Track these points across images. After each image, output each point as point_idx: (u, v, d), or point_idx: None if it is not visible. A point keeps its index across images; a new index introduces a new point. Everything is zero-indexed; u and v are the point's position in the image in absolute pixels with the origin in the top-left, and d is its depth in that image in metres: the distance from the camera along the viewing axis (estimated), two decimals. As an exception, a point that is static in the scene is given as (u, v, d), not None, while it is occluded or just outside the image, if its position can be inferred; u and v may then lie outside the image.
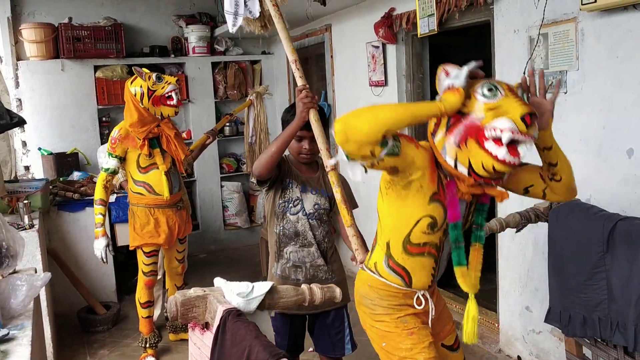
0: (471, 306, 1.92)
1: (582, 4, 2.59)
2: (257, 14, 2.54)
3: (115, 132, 3.51)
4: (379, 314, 1.99)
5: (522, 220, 2.54)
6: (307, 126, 2.32)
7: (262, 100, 4.24)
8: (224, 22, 5.91)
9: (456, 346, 2.13)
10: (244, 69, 6.46)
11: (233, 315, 1.54)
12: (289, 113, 2.46)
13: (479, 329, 3.78)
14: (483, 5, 3.31)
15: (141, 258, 3.63)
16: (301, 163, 2.52)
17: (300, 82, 2.34)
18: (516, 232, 2.61)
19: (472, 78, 1.74)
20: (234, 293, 1.70)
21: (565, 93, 2.88)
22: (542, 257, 3.08)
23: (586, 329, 2.40)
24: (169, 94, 3.43)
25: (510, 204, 3.28)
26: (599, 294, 2.33)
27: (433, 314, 2.01)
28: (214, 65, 6.29)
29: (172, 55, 6.08)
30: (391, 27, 4.14)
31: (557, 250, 2.54)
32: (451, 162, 1.74)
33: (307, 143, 2.43)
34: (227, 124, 6.03)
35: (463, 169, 1.72)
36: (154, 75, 3.43)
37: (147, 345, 3.74)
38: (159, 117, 3.48)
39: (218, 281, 1.81)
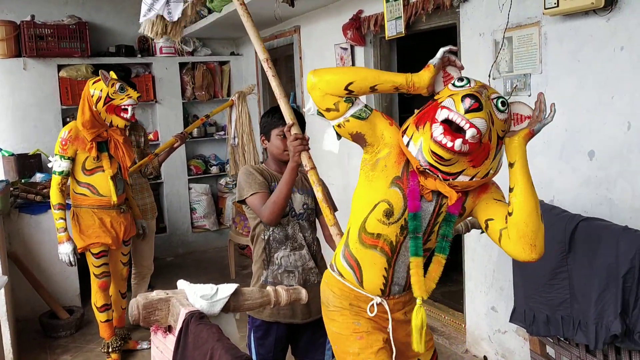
0: (417, 314, 1.79)
1: (545, 9, 2.63)
2: (175, 18, 2.48)
3: (64, 133, 3.41)
4: (332, 311, 1.95)
5: (487, 221, 2.56)
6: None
7: (245, 101, 4.19)
8: (192, 22, 5.89)
9: None
10: (213, 70, 6.41)
11: (196, 317, 1.51)
12: (270, 117, 2.45)
13: (446, 330, 3.83)
14: (449, 9, 3.34)
15: (90, 260, 3.54)
16: (283, 163, 2.44)
17: (273, 82, 2.31)
18: (481, 232, 2.64)
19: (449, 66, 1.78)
20: (198, 295, 1.66)
21: (529, 96, 2.93)
22: (507, 258, 3.11)
23: (550, 328, 2.44)
24: (126, 107, 3.39)
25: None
26: (561, 294, 2.37)
27: (390, 328, 1.90)
28: (182, 65, 6.23)
29: (139, 55, 6.01)
30: (359, 29, 4.15)
31: (521, 251, 2.57)
32: (405, 140, 1.71)
33: None
34: (196, 125, 5.97)
35: (413, 149, 1.69)
36: (117, 85, 3.37)
37: (111, 350, 3.67)
38: (108, 124, 3.43)
39: (181, 283, 1.77)
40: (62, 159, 3.40)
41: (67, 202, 3.48)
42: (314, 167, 2.27)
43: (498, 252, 3.28)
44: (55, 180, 3.42)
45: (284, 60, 5.72)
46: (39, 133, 5.51)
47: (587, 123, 2.67)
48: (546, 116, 1.69)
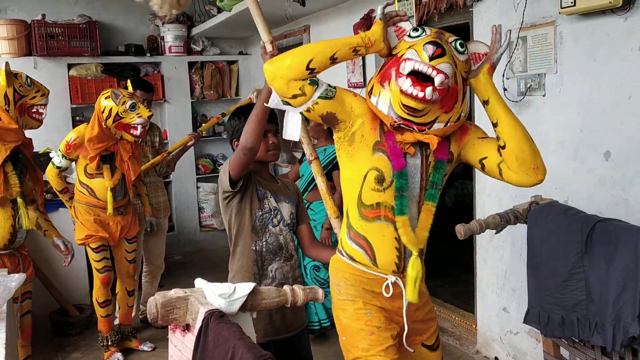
0: (412, 265, 1.79)
1: (561, 8, 2.62)
2: None
3: (71, 137, 3.48)
4: (343, 299, 1.88)
5: (501, 222, 2.54)
6: (269, 119, 2.18)
7: None
8: (202, 21, 5.90)
9: (436, 345, 2.04)
10: (221, 69, 6.42)
11: (216, 316, 1.50)
12: (243, 119, 2.25)
13: (457, 330, 3.81)
14: (462, 8, 3.33)
15: (91, 255, 3.58)
16: (262, 166, 2.37)
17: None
18: (495, 233, 2.62)
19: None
20: (216, 294, 1.66)
21: (544, 96, 2.91)
22: (520, 258, 3.11)
23: (565, 329, 2.42)
24: (135, 125, 3.41)
25: (490, 205, 3.31)
26: (577, 295, 2.35)
27: (406, 304, 1.84)
28: (191, 65, 6.24)
29: (148, 55, 6.02)
30: (370, 28, 4.13)
31: (536, 252, 2.55)
32: (374, 100, 1.75)
33: (272, 136, 2.29)
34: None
35: (383, 107, 1.73)
36: (128, 104, 3.37)
37: (110, 344, 3.70)
38: (118, 138, 3.46)
39: (199, 282, 1.77)
40: (64, 158, 3.53)
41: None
42: (317, 158, 2.22)
43: (510, 252, 3.26)
44: (54, 171, 3.60)
45: (293, 59, 5.71)
46: (49, 132, 5.46)
47: (603, 123, 2.65)
48: (502, 44, 1.75)
